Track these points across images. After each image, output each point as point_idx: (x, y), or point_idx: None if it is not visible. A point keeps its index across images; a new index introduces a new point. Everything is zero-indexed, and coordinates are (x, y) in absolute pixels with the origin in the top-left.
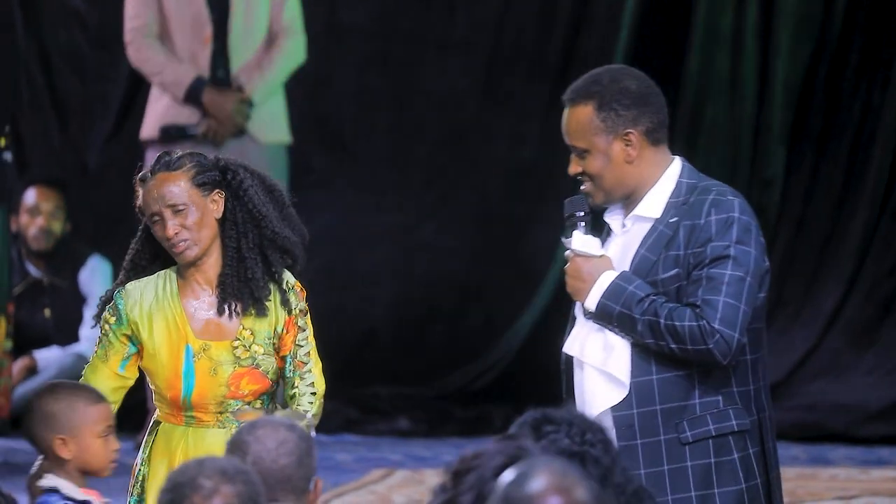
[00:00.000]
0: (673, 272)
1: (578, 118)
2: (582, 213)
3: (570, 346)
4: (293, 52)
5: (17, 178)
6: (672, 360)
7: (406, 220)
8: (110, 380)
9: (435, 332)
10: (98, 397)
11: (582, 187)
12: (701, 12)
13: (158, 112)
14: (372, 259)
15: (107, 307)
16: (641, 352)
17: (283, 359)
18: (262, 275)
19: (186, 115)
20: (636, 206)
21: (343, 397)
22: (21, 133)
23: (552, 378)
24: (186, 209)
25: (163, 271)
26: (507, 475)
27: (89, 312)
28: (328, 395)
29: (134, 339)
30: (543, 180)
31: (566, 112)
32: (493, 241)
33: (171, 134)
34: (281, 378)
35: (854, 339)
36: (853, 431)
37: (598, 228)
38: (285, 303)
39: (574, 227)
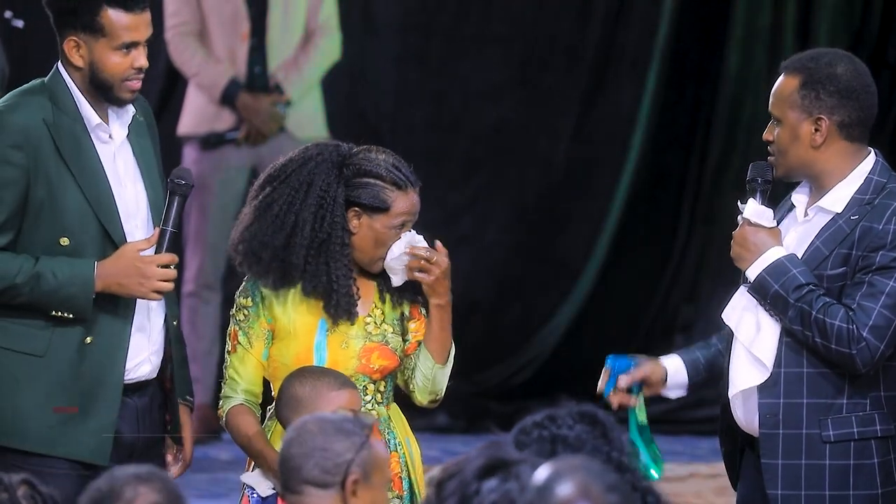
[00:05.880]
0: (840, 270)
1: (783, 86)
2: (762, 181)
3: (728, 315)
4: (330, 49)
5: None
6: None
7: (444, 215)
8: (258, 369)
9: (473, 326)
10: (343, 382)
11: (769, 157)
12: (739, 8)
13: (196, 109)
14: None
15: (239, 293)
16: (794, 343)
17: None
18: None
19: (224, 120)
20: (821, 198)
21: None
22: None
23: (590, 373)
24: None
25: None
26: (535, 480)
27: None
28: None
29: (268, 318)
30: (581, 175)
31: (779, 78)
32: (530, 236)
33: (211, 141)
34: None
35: None
36: None
37: (776, 199)
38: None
39: (753, 192)
